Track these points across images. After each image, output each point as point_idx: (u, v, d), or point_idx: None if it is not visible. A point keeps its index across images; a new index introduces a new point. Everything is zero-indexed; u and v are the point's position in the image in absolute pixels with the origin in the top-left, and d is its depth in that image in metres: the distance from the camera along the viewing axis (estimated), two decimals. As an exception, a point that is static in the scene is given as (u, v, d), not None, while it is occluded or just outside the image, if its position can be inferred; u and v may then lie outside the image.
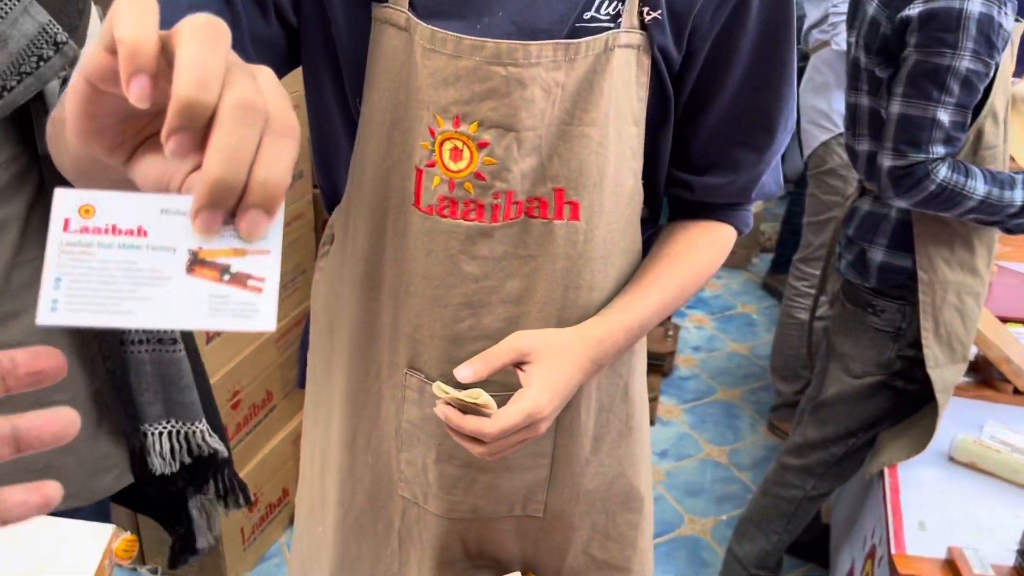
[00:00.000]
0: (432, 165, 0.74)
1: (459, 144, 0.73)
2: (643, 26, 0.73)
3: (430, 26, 0.70)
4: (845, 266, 1.58)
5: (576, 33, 0.71)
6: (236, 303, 0.40)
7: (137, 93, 0.36)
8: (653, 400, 2.57)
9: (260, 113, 0.36)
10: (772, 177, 0.87)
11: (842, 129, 1.70)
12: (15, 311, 0.92)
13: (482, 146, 0.72)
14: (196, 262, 0.40)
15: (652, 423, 2.56)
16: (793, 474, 1.74)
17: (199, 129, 0.36)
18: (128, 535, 0.89)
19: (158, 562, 1.78)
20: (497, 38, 0.70)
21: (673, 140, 0.82)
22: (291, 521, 2.01)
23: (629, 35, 0.72)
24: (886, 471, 1.50)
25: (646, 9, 0.72)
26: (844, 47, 1.99)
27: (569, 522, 0.91)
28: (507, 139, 0.72)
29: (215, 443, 1.09)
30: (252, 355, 1.80)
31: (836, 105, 2.22)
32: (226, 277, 0.40)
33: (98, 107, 0.39)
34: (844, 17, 1.81)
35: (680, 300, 0.84)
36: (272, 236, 0.40)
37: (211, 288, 0.39)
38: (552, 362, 0.74)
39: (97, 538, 0.87)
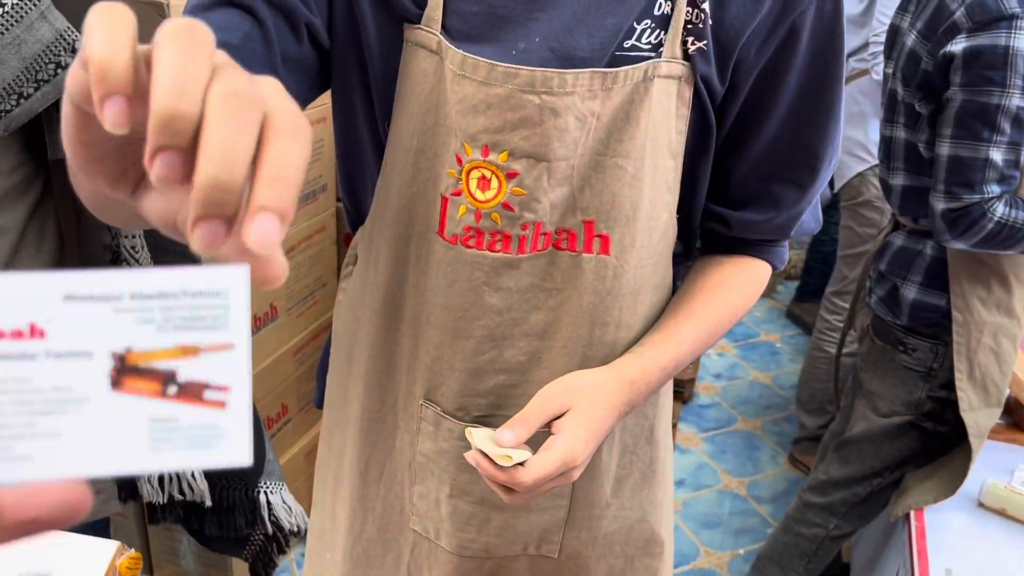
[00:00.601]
0: (458, 194, 0.71)
1: (487, 173, 0.70)
2: (686, 56, 0.70)
3: (461, 51, 0.67)
4: (876, 302, 1.54)
5: (615, 62, 0.69)
6: (190, 428, 0.29)
7: (112, 118, 0.30)
8: (672, 427, 2.53)
9: (254, 104, 0.30)
10: (811, 214, 0.84)
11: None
12: None
13: (511, 176, 0.70)
14: (125, 370, 0.29)
15: (670, 451, 2.52)
16: (815, 512, 1.69)
17: (188, 146, 0.29)
18: (132, 552, 0.87)
19: (166, 575, 1.76)
20: (533, 65, 0.67)
21: (712, 173, 0.79)
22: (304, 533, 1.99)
23: (670, 65, 0.69)
24: (912, 514, 1.46)
25: (691, 39, 0.69)
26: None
27: (585, 564, 0.88)
28: (537, 169, 0.70)
29: (200, 484, 1.09)
30: (268, 368, 1.79)
31: (873, 136, 2.18)
32: (171, 390, 0.29)
33: (89, 133, 0.33)
34: (883, 47, 1.78)
35: (714, 338, 0.81)
36: (233, 322, 0.29)
37: (150, 408, 0.29)
38: (586, 407, 0.72)
39: (101, 555, 0.85)
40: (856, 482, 1.62)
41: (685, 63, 0.70)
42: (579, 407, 0.71)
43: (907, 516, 1.46)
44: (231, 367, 0.29)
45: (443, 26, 0.68)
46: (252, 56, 0.63)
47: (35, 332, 0.28)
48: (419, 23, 0.69)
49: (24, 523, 0.28)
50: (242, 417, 0.29)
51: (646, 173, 0.72)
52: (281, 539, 1.24)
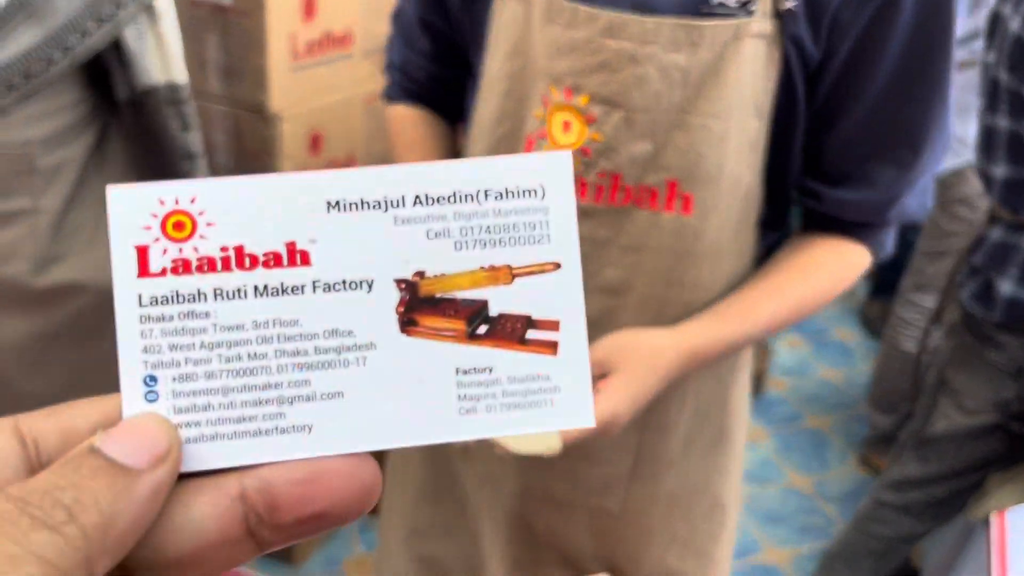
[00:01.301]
0: (543, 136, 0.72)
1: (569, 116, 0.70)
2: (777, 15, 0.68)
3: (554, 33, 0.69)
4: (968, 297, 1.48)
5: (703, 17, 0.68)
6: (510, 380, 0.22)
7: None
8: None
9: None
10: (918, 200, 0.79)
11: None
12: (63, 253, 0.93)
13: (590, 121, 0.70)
14: (417, 304, 0.22)
15: (736, 443, 2.49)
16: (889, 511, 1.65)
17: None
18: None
19: None
20: (615, 10, 0.67)
21: (807, 146, 0.77)
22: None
23: (762, 23, 0.67)
24: (993, 518, 1.41)
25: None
26: None
27: (648, 525, 0.87)
28: (616, 117, 0.69)
29: None
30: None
31: (973, 131, 2.10)
32: (480, 329, 0.22)
33: None
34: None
35: (794, 318, 0.78)
36: (557, 231, 0.23)
37: (454, 355, 0.22)
38: (638, 373, 0.70)
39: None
40: (935, 482, 1.57)
41: (776, 21, 0.68)
42: (630, 370, 0.70)
43: (987, 520, 1.41)
44: (559, 294, 0.23)
45: None
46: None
47: (296, 256, 0.22)
48: None
49: (306, 519, 0.22)
50: (578, 361, 0.23)
51: (732, 134, 0.71)
52: None
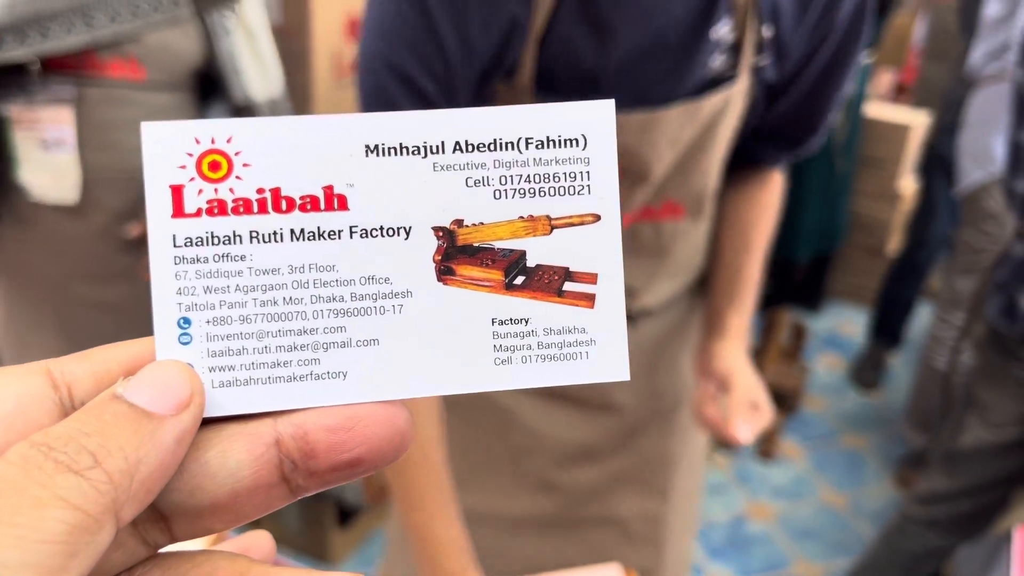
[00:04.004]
0: None
1: None
2: (754, 69, 0.80)
3: None
4: (993, 313, 1.50)
5: (699, 93, 0.78)
6: (546, 331, 0.22)
7: None
8: (773, 435, 2.49)
9: None
10: (818, 140, 0.93)
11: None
12: None
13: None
14: (454, 253, 0.22)
15: (770, 457, 2.49)
16: (915, 526, 1.65)
17: None
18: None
19: (269, 528, 1.86)
20: (627, 108, 0.75)
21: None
22: (400, 508, 2.06)
23: (743, 82, 0.79)
24: (1015, 531, 1.41)
25: (758, 58, 0.79)
26: None
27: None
28: (629, 178, 0.80)
29: None
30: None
31: (1000, 147, 2.10)
32: (518, 280, 0.22)
33: None
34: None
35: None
36: (598, 182, 0.22)
37: (491, 305, 0.22)
38: (746, 377, 0.91)
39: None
40: (961, 497, 1.57)
41: (752, 74, 0.80)
42: (743, 378, 0.89)
43: (1009, 534, 1.41)
44: (598, 247, 0.22)
45: (535, 83, 0.74)
46: None
47: (332, 200, 0.22)
48: (511, 80, 0.74)
49: (342, 465, 0.22)
50: (615, 315, 0.22)
51: (719, 158, 0.85)
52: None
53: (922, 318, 3.26)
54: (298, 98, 1.45)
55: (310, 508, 1.79)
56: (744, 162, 0.96)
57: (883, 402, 2.91)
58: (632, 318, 0.91)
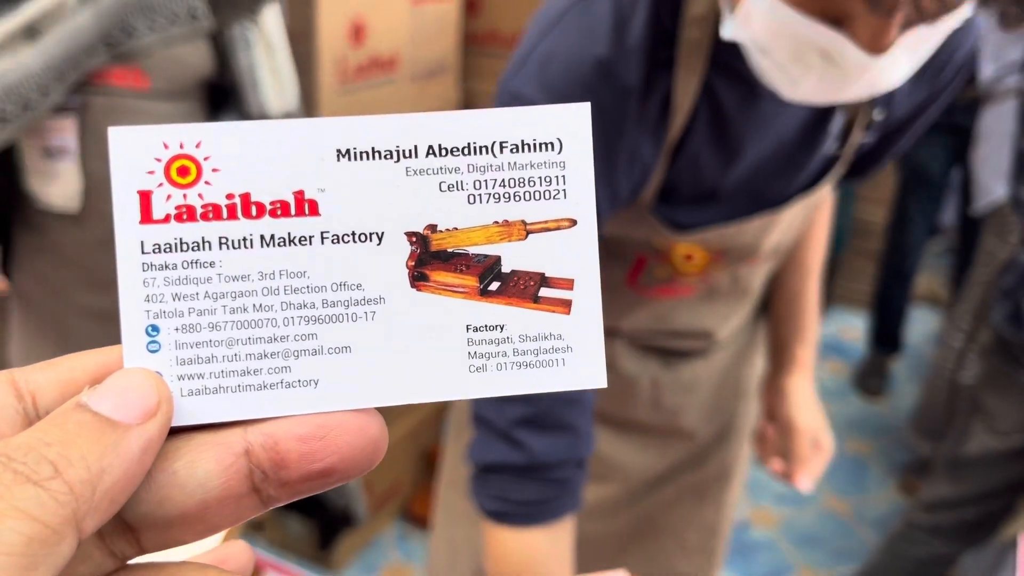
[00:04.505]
0: (661, 262, 0.80)
1: (694, 251, 0.78)
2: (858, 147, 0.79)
3: (681, 239, 0.75)
4: (998, 320, 1.49)
5: (816, 186, 0.79)
6: (521, 338, 0.22)
7: None
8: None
9: None
10: None
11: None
12: None
13: (716, 260, 0.79)
14: (428, 259, 0.22)
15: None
16: (920, 532, 1.64)
17: None
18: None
19: (272, 534, 1.85)
20: (745, 215, 0.75)
21: None
22: (401, 513, 2.06)
23: (846, 150, 0.78)
24: (1020, 539, 1.40)
25: (864, 135, 0.77)
26: None
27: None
28: (736, 258, 0.80)
29: None
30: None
31: None
32: (492, 286, 0.22)
33: None
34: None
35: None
36: (574, 187, 0.22)
37: (466, 312, 0.22)
38: (811, 415, 0.93)
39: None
40: (966, 504, 1.57)
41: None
42: (806, 419, 0.91)
43: (1014, 541, 1.40)
44: (574, 252, 0.22)
45: (662, 191, 0.74)
46: None
47: (303, 205, 0.21)
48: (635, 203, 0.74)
49: (313, 475, 0.22)
50: (592, 321, 0.22)
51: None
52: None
53: (921, 324, 3.25)
54: (303, 104, 1.45)
55: (312, 514, 1.79)
56: None
57: (887, 409, 2.90)
58: (706, 353, 0.92)
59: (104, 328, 1.08)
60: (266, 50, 1.07)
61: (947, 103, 0.81)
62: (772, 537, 2.21)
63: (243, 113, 1.07)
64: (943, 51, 0.71)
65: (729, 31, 0.60)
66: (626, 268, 0.80)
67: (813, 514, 2.35)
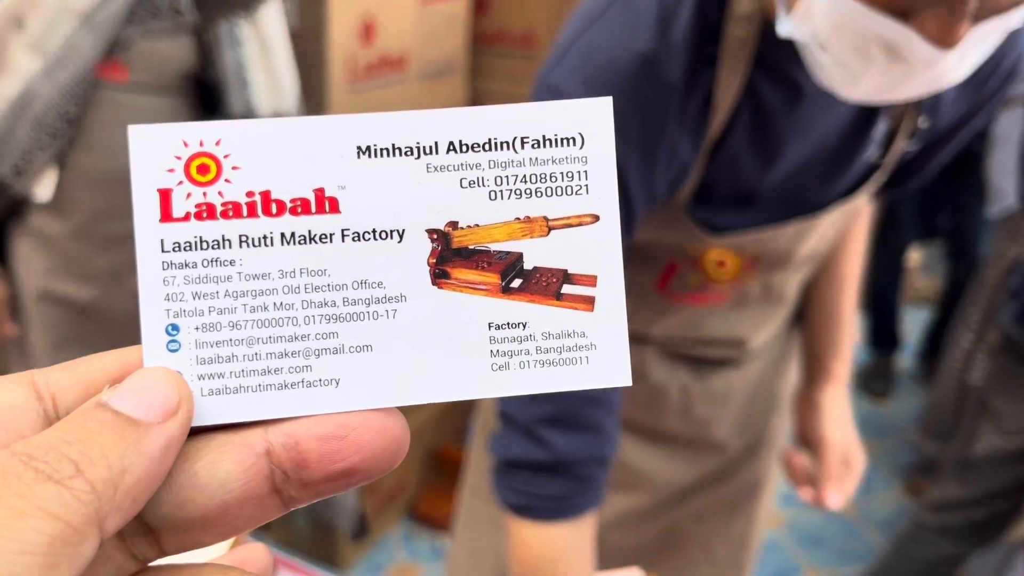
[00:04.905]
0: (693, 267, 0.78)
1: (726, 257, 0.77)
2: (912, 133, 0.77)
3: (716, 242, 0.74)
4: (1006, 320, 1.49)
5: (854, 193, 0.77)
6: (544, 336, 0.22)
7: None
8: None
9: None
10: None
11: None
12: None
13: (749, 267, 0.78)
14: (449, 255, 0.21)
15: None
16: (928, 533, 1.64)
17: None
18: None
19: (279, 535, 1.85)
20: (782, 219, 0.74)
21: None
22: (407, 513, 2.06)
23: (888, 158, 0.76)
24: (1032, 541, 1.41)
25: (908, 143, 0.75)
26: None
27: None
28: (777, 266, 0.79)
29: None
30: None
31: None
32: (514, 283, 0.22)
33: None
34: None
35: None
36: (596, 182, 0.22)
37: (487, 309, 0.22)
38: (845, 431, 0.93)
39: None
40: (974, 504, 1.56)
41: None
42: (839, 434, 0.90)
43: (1022, 541, 1.41)
44: (597, 248, 0.21)
45: (698, 190, 0.73)
46: None
47: (324, 203, 0.21)
48: (670, 200, 0.74)
49: (335, 475, 0.21)
50: (616, 319, 0.22)
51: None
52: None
53: (919, 322, 3.25)
54: (313, 102, 1.45)
55: (319, 514, 1.79)
56: None
57: (892, 410, 2.89)
58: (738, 362, 0.91)
59: (83, 319, 1.08)
60: (260, 49, 1.05)
61: (992, 112, 0.79)
62: (778, 537, 2.21)
63: (227, 112, 1.06)
64: (991, 57, 0.69)
65: (786, 29, 0.59)
66: (657, 273, 0.78)
67: (819, 515, 2.35)
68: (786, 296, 0.86)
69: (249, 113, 1.07)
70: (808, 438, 0.93)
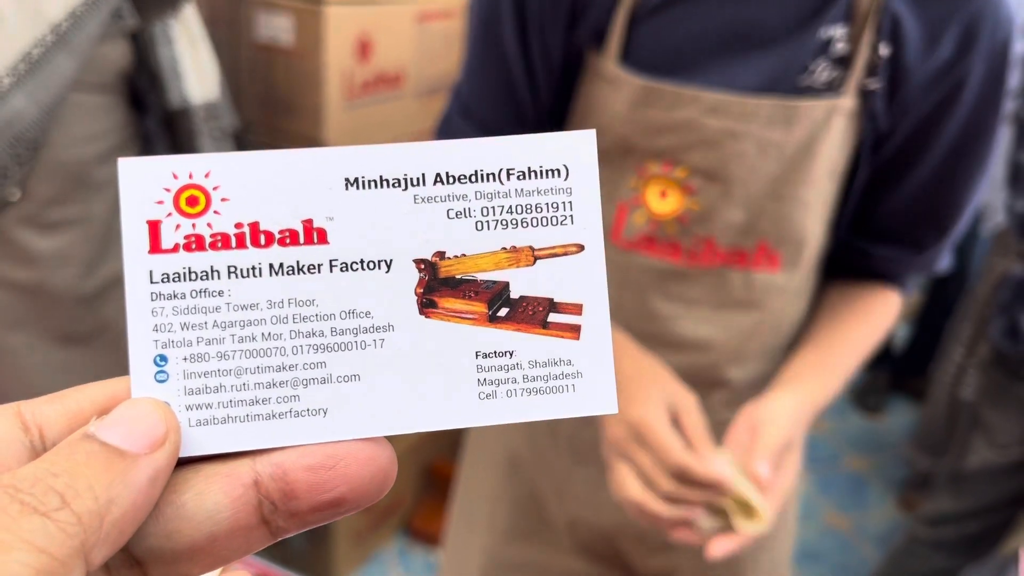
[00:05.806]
0: (637, 204, 0.75)
1: (666, 186, 0.74)
2: (862, 93, 0.72)
3: (643, 81, 0.71)
4: (996, 334, 1.51)
5: (795, 95, 0.72)
6: (531, 364, 0.22)
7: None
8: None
9: None
10: (949, 253, 0.84)
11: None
12: (110, 254, 1.07)
13: (688, 191, 0.74)
14: (436, 285, 0.22)
15: (773, 482, 2.49)
16: (922, 547, 1.65)
17: None
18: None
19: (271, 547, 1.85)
20: (717, 90, 0.70)
21: (858, 206, 0.81)
22: (402, 528, 2.06)
23: (849, 101, 0.72)
24: (1021, 553, 1.41)
25: (870, 80, 0.71)
26: None
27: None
28: (714, 188, 0.73)
29: None
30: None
31: None
32: (501, 312, 0.22)
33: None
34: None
35: (857, 365, 0.83)
36: (581, 212, 0.22)
37: (474, 338, 0.22)
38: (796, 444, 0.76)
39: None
40: (968, 517, 1.57)
41: (860, 98, 0.72)
42: (763, 414, 0.74)
43: (1016, 554, 1.41)
44: (583, 277, 0.22)
45: (624, 54, 0.72)
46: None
47: (312, 234, 0.21)
48: (598, 50, 0.72)
49: (323, 505, 0.21)
50: (602, 347, 0.22)
51: (817, 199, 0.76)
52: None
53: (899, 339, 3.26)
54: (309, 119, 1.46)
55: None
56: (860, 274, 0.85)
57: (885, 425, 2.90)
58: (713, 386, 0.81)
59: (17, 299, 1.10)
60: (190, 44, 1.13)
61: (983, 125, 0.74)
62: (773, 553, 2.21)
63: (165, 101, 1.12)
64: (970, 12, 0.67)
65: None
66: (611, 223, 0.76)
67: (813, 530, 2.35)
68: (769, 309, 0.79)
69: (185, 101, 1.13)
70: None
